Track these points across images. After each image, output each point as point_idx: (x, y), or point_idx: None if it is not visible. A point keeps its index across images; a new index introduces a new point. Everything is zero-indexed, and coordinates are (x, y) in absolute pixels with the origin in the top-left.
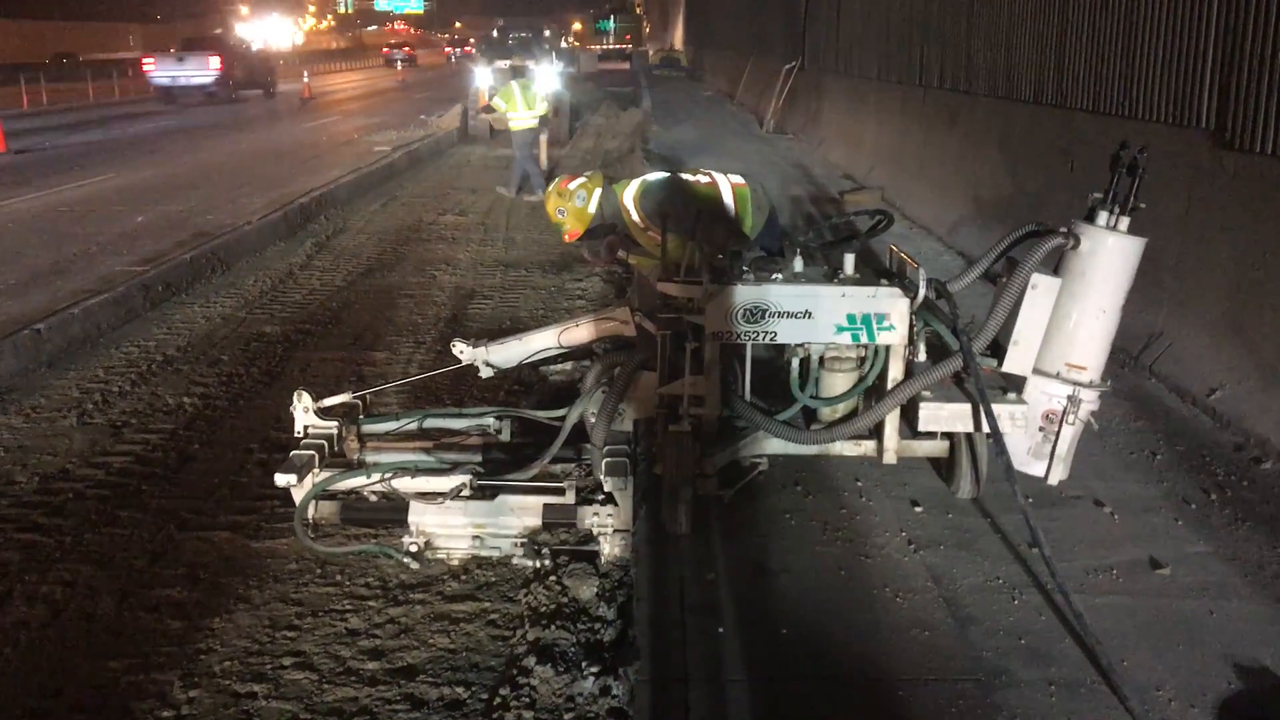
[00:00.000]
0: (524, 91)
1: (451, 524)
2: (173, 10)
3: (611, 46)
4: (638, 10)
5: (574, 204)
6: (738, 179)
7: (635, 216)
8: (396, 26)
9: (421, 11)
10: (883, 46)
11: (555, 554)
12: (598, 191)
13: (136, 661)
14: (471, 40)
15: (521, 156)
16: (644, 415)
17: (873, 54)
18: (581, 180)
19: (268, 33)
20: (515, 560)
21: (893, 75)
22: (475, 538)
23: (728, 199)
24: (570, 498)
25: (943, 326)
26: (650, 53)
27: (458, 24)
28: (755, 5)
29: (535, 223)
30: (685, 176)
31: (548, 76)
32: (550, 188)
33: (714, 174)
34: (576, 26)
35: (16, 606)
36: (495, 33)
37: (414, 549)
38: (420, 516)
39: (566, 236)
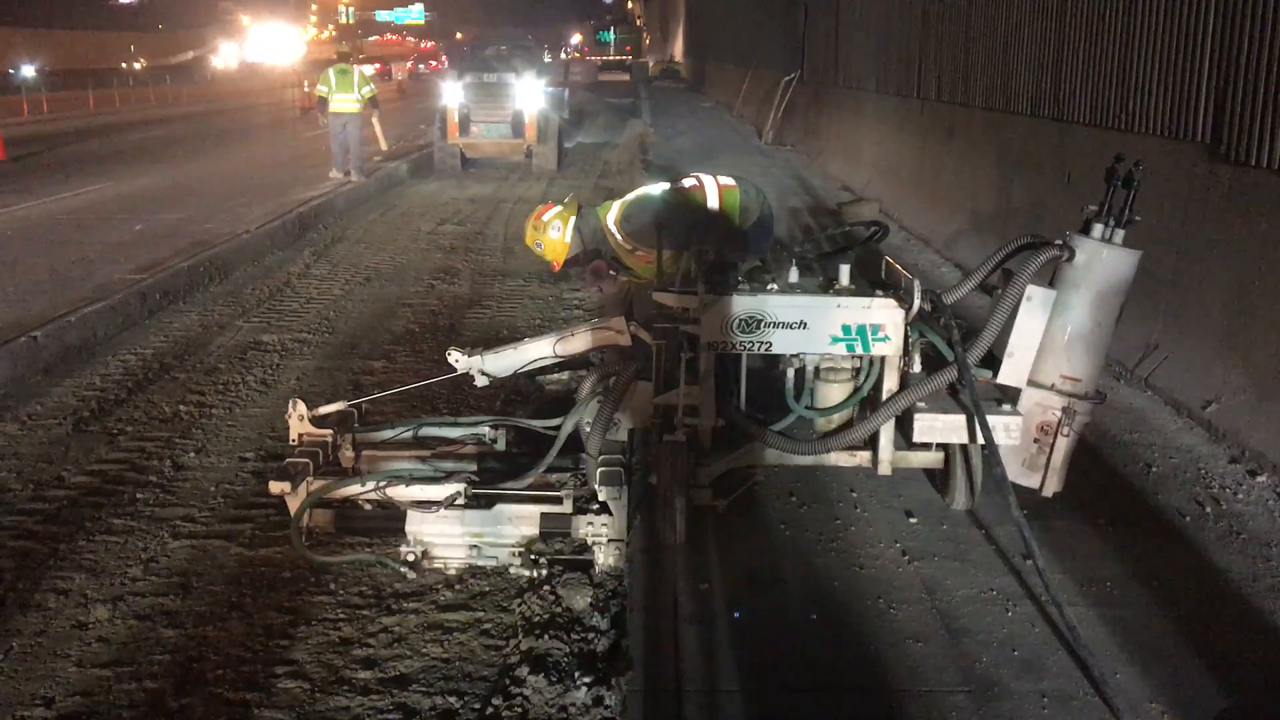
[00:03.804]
0: (342, 77)
1: (449, 533)
2: (175, 21)
3: (613, 58)
4: (638, 22)
5: (549, 235)
6: (727, 180)
7: (619, 239)
8: (388, 37)
9: (423, 22)
10: (881, 59)
11: (550, 564)
12: (572, 220)
13: (129, 669)
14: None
15: (335, 134)
16: (639, 425)
17: (871, 66)
18: (556, 210)
19: (269, 43)
20: (513, 570)
21: (891, 88)
22: (473, 547)
23: (713, 201)
24: (568, 507)
25: (938, 338)
26: (651, 64)
27: (459, 34)
28: (755, 18)
29: None
30: (669, 186)
31: (532, 93)
32: (528, 220)
33: (701, 177)
34: (576, 38)
35: (9, 614)
36: (468, 48)
37: (411, 558)
38: (418, 526)
39: (552, 266)
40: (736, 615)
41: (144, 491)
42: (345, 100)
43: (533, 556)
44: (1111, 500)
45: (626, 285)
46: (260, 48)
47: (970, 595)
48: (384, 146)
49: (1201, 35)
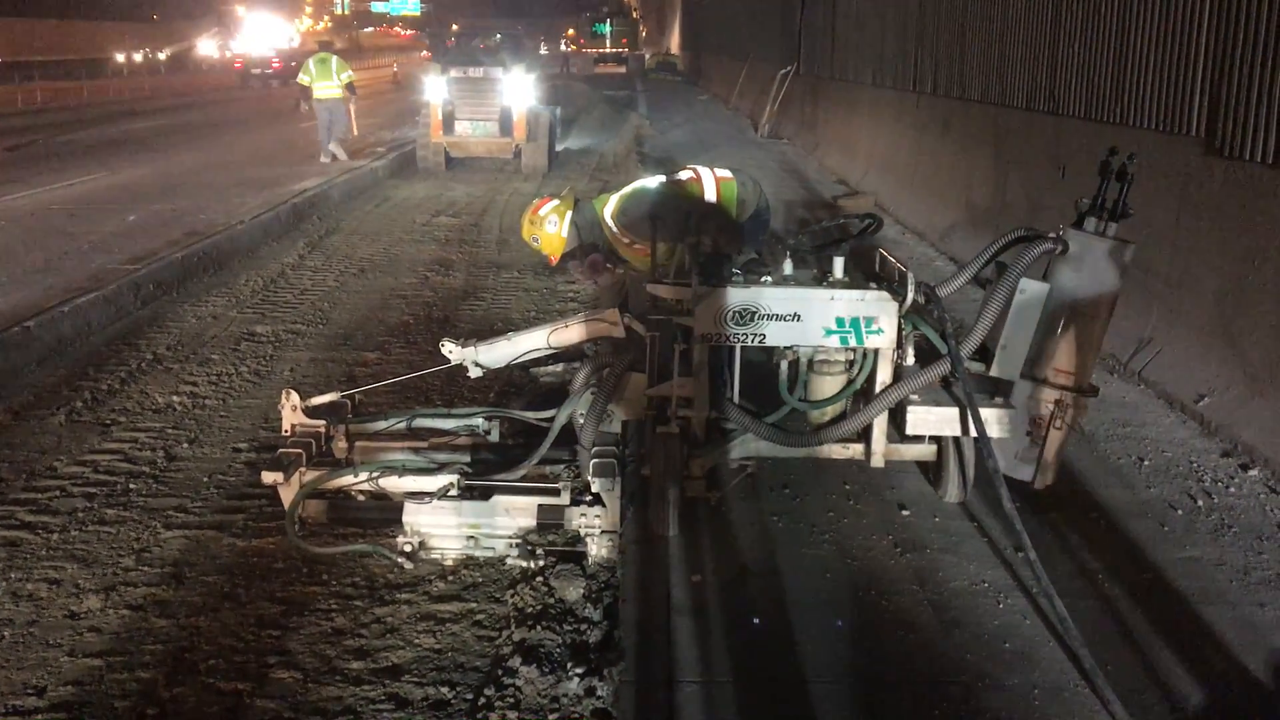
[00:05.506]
0: (322, 65)
1: (445, 524)
2: (169, 11)
3: (609, 50)
4: (635, 15)
5: (545, 229)
6: (724, 172)
7: (615, 231)
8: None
9: (419, 14)
10: (877, 52)
11: (544, 555)
12: (569, 215)
13: (121, 659)
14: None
15: (322, 121)
16: (633, 417)
17: (867, 59)
18: (552, 205)
19: (259, 35)
20: (509, 561)
21: (887, 81)
22: (469, 538)
23: (710, 193)
24: (565, 498)
25: (931, 330)
26: (647, 57)
27: (454, 25)
28: (751, 10)
29: None
30: (665, 178)
31: (521, 89)
32: (524, 214)
33: (698, 169)
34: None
35: (1, 603)
36: (452, 39)
37: (408, 549)
38: (414, 517)
39: (549, 260)
40: (756, 621)
41: (137, 482)
42: (327, 87)
43: (530, 547)
44: (1104, 493)
45: (622, 277)
46: (250, 40)
47: (962, 587)
48: (354, 133)
49: (1196, 29)
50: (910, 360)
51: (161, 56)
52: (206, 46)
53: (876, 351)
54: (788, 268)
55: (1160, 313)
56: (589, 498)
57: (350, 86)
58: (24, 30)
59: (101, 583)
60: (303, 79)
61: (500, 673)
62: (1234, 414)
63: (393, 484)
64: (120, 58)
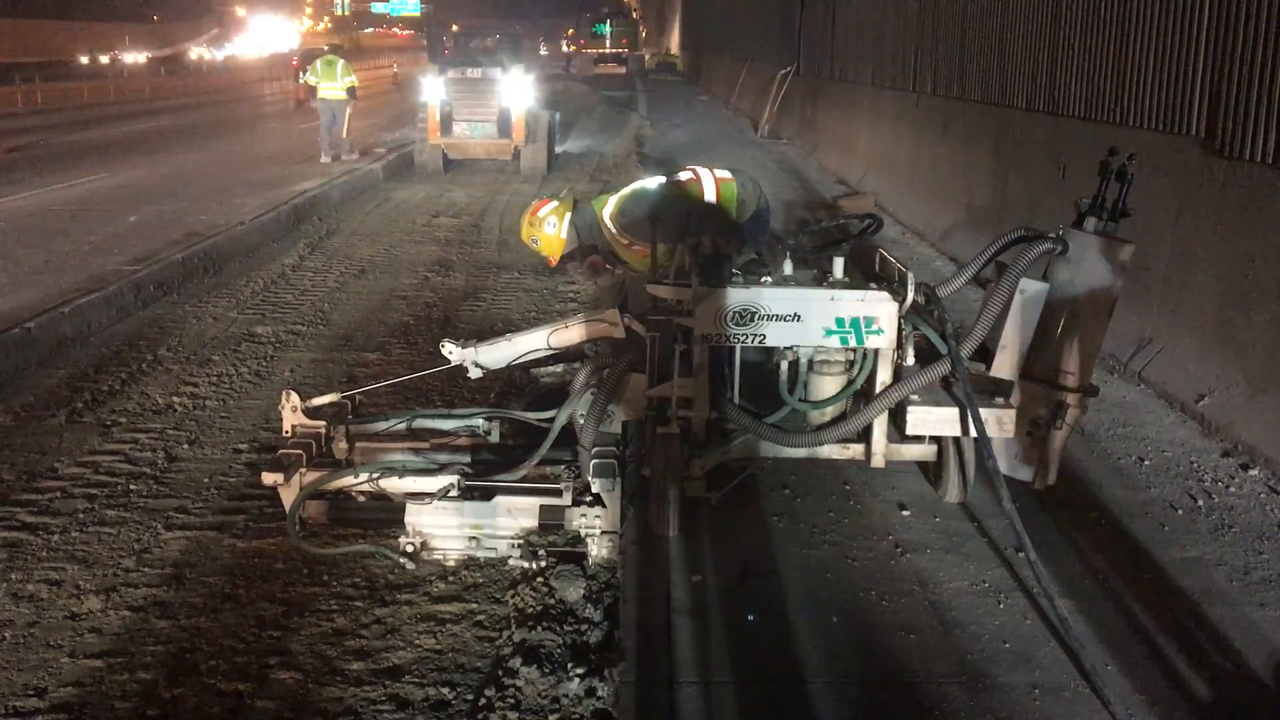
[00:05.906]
0: (328, 67)
1: (448, 524)
2: (169, 12)
3: (609, 50)
4: (635, 15)
5: (545, 231)
6: (724, 173)
7: (615, 232)
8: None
9: (419, 14)
10: (877, 52)
11: (545, 555)
12: (568, 216)
13: (121, 660)
14: None
15: (324, 121)
16: (633, 417)
17: (867, 60)
18: (552, 206)
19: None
20: (511, 561)
21: (887, 81)
22: (471, 538)
23: (710, 194)
24: (567, 499)
25: (931, 330)
26: (647, 57)
27: (454, 26)
28: (751, 11)
29: None
30: (665, 179)
31: (519, 88)
32: (524, 215)
33: (697, 170)
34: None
35: (2, 604)
36: (451, 39)
37: (410, 549)
38: (417, 517)
39: (548, 262)
40: (750, 617)
41: (137, 483)
42: (331, 88)
43: (532, 548)
44: (1104, 493)
45: (622, 278)
46: (245, 41)
47: (962, 587)
48: (344, 135)
49: (1196, 29)
50: (910, 360)
51: (137, 59)
52: (202, 47)
53: (876, 352)
54: (788, 268)
55: (1160, 313)
56: (589, 498)
57: (351, 90)
58: (25, 31)
59: (102, 584)
60: (309, 79)
61: (501, 673)
62: (1234, 414)
63: (393, 485)
64: (105, 59)
